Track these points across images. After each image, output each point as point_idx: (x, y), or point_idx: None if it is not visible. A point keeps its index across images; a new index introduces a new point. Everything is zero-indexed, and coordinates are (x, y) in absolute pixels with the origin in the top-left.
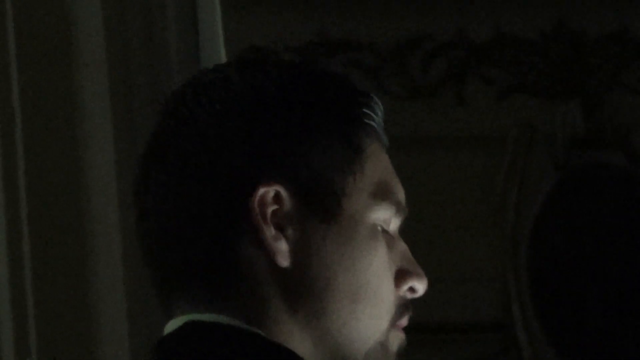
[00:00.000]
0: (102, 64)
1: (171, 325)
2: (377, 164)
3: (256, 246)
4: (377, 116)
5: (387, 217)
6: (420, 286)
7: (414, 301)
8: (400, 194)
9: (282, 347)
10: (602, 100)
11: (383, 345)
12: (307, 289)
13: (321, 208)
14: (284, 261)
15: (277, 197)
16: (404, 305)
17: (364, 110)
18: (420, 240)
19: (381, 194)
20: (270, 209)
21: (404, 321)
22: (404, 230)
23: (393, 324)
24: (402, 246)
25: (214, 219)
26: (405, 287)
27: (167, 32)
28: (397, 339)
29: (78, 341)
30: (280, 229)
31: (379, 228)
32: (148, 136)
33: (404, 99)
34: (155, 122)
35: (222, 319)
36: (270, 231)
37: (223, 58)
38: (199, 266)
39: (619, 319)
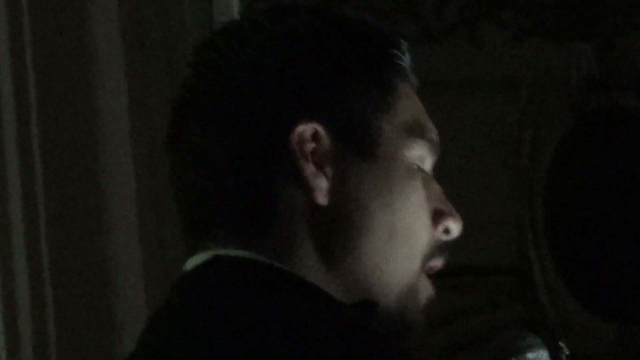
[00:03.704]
0: (117, 44)
1: (193, 261)
2: (410, 103)
3: (295, 184)
4: (406, 57)
5: (422, 155)
6: (455, 227)
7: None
8: (434, 133)
9: (308, 283)
10: (616, 42)
11: (413, 289)
12: (343, 228)
13: (358, 146)
14: (322, 199)
15: (315, 135)
16: (438, 247)
17: (394, 51)
18: None
19: (415, 131)
20: (309, 146)
21: (438, 262)
22: None
23: (424, 265)
24: (436, 187)
25: (252, 160)
26: (440, 227)
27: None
28: (426, 290)
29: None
30: (319, 166)
31: (415, 166)
32: (164, 124)
33: (417, 42)
34: (185, 74)
35: (249, 254)
36: (310, 168)
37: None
38: (236, 206)
39: (635, 262)
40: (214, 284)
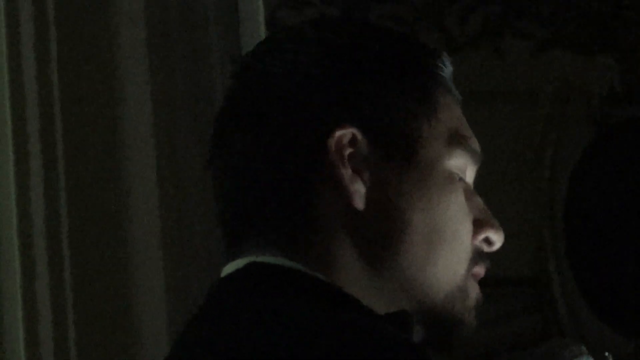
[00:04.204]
0: (142, 48)
1: (229, 267)
2: (450, 112)
3: (333, 189)
4: (447, 69)
5: (462, 165)
6: (497, 238)
7: None
8: (475, 143)
9: (343, 292)
10: (638, 55)
11: (462, 290)
12: (381, 233)
13: (397, 152)
14: (360, 203)
15: (353, 140)
16: (480, 254)
17: (436, 62)
18: None
19: (456, 141)
20: (347, 151)
21: (481, 270)
22: None
23: (470, 270)
24: (477, 198)
25: (290, 166)
26: (481, 236)
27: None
28: (474, 290)
29: (118, 338)
30: (357, 171)
31: (456, 176)
32: (187, 130)
33: None
34: (228, 85)
35: (285, 261)
36: (347, 173)
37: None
38: (274, 212)
39: None
40: (246, 291)
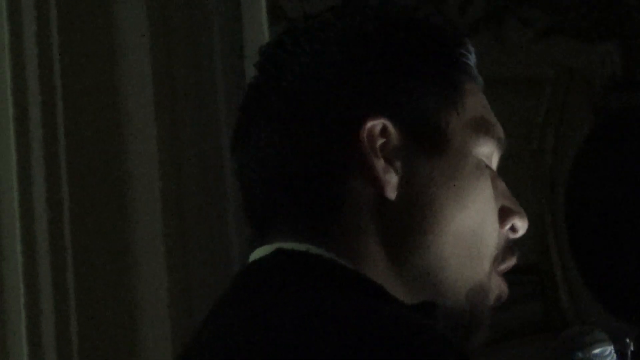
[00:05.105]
0: (144, 37)
1: (257, 253)
2: (477, 100)
3: (363, 179)
4: (472, 56)
5: (489, 152)
6: (522, 225)
7: None
8: (500, 130)
9: (370, 280)
10: None
11: (484, 287)
12: (411, 223)
13: (427, 141)
14: (392, 193)
15: (384, 131)
16: (507, 248)
17: (461, 50)
18: None
19: (483, 129)
20: (379, 141)
21: (510, 262)
22: None
23: (496, 266)
24: (502, 184)
25: (321, 155)
26: (507, 225)
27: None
28: (497, 287)
29: (120, 338)
30: (388, 161)
31: (483, 163)
32: (189, 121)
33: None
34: (253, 75)
35: (312, 248)
36: (380, 163)
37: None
38: (303, 200)
39: None
40: (274, 277)
